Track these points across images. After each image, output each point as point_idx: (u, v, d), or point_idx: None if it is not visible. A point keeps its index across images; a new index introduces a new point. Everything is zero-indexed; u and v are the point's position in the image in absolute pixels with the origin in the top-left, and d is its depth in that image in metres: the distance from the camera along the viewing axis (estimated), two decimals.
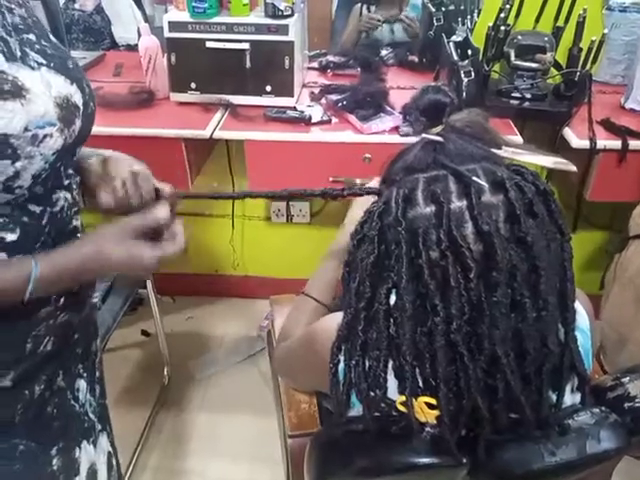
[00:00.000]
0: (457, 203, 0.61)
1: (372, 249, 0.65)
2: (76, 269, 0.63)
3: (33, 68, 0.60)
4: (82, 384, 0.80)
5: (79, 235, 0.73)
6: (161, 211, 0.68)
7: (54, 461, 0.74)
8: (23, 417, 0.70)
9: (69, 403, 0.77)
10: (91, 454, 0.81)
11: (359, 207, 0.93)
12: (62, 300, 0.70)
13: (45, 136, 0.59)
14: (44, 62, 0.61)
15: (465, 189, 0.61)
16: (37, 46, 0.62)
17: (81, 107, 0.65)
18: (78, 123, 0.64)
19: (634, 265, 1.39)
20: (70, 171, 0.71)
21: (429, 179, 0.64)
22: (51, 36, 0.67)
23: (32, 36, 0.63)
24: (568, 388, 0.68)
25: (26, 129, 0.57)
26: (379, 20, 1.89)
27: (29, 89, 0.58)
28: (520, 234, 0.60)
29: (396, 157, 0.72)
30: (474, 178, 0.61)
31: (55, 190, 0.67)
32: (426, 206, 0.62)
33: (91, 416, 0.81)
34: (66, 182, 0.69)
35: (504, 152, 0.70)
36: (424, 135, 0.69)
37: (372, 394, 0.66)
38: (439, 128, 0.70)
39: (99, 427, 0.84)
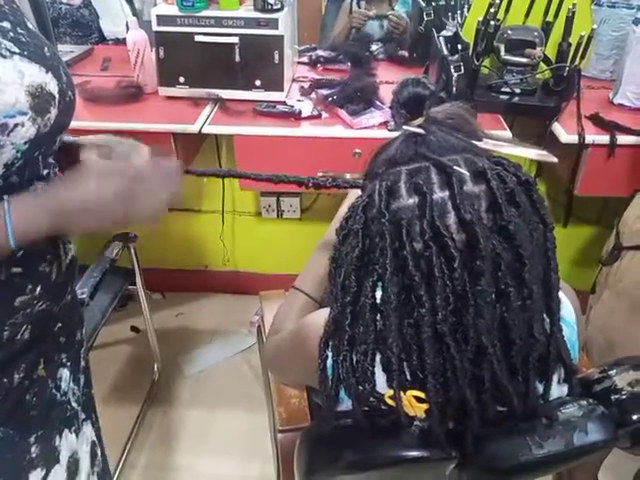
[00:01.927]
0: (439, 194, 0.61)
1: (357, 243, 0.65)
2: (52, 198, 0.62)
3: (5, 57, 0.59)
4: (65, 373, 0.79)
5: None
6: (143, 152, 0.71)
7: (33, 449, 0.74)
8: (1, 405, 0.70)
9: (50, 392, 0.76)
10: (73, 443, 0.81)
11: (348, 203, 0.94)
12: (39, 289, 0.70)
13: (16, 125, 0.59)
14: (17, 50, 0.60)
15: (447, 179, 0.61)
16: (11, 34, 0.61)
17: (57, 95, 0.64)
18: (54, 112, 0.64)
19: (629, 276, 1.38)
20: (50, 160, 0.70)
21: (411, 171, 0.64)
22: (29, 24, 0.66)
23: (6, 24, 0.62)
24: (555, 379, 0.68)
25: None
26: (370, 16, 1.89)
27: None
28: (502, 223, 0.60)
29: (378, 151, 0.72)
30: (455, 167, 0.61)
31: (32, 181, 0.66)
32: (409, 197, 0.62)
33: (74, 405, 0.81)
34: (44, 172, 0.68)
35: (485, 144, 0.70)
36: (405, 127, 0.69)
37: (361, 389, 0.66)
38: (420, 120, 0.70)
39: (83, 416, 0.84)
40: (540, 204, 0.65)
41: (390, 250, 0.62)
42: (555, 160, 0.75)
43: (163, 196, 0.66)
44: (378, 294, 0.65)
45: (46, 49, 0.66)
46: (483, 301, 0.59)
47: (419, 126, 0.68)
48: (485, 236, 0.59)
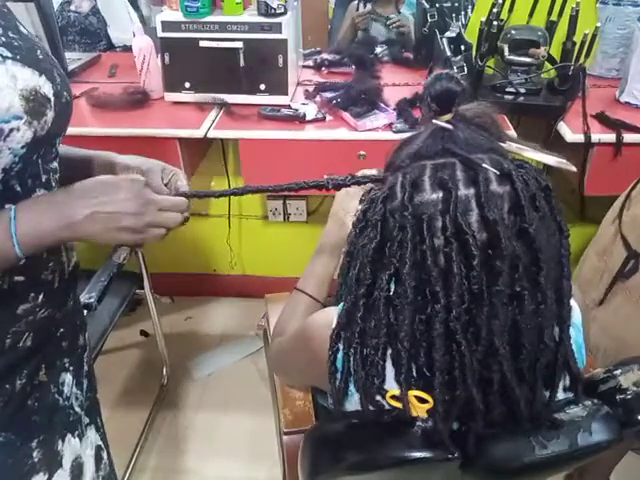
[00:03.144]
0: (464, 191, 0.61)
1: (375, 235, 0.64)
2: (58, 202, 0.62)
3: None
4: (68, 378, 0.79)
5: None
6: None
7: (35, 453, 0.74)
8: (3, 410, 0.70)
9: (52, 397, 0.76)
10: (76, 447, 0.80)
11: (340, 202, 0.96)
12: (41, 297, 0.70)
13: (12, 130, 0.59)
14: (9, 55, 0.60)
15: (474, 177, 0.61)
16: (2, 39, 0.61)
17: (52, 98, 0.64)
18: (50, 114, 0.64)
19: None
20: (53, 165, 0.70)
21: (437, 166, 0.64)
22: (21, 27, 0.67)
23: None
24: (560, 387, 0.68)
25: None
26: (370, 13, 1.90)
27: None
28: (524, 225, 0.60)
29: (401, 144, 0.72)
30: (484, 165, 0.61)
31: (35, 189, 0.66)
32: (433, 192, 0.62)
33: (77, 409, 0.81)
34: (44, 177, 0.68)
35: (509, 146, 0.70)
36: (434, 121, 0.68)
37: (369, 383, 0.66)
38: (449, 116, 0.69)
39: (87, 421, 0.83)
40: (558, 210, 0.65)
41: (410, 244, 0.61)
42: (574, 169, 0.75)
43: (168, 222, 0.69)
44: (391, 288, 0.65)
45: (38, 52, 0.66)
46: (499, 301, 0.60)
47: (447, 122, 0.68)
48: (507, 237, 0.59)
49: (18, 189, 0.64)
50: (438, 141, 0.66)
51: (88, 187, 0.64)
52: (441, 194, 0.61)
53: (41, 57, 0.65)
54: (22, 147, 0.61)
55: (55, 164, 0.71)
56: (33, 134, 0.62)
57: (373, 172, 0.93)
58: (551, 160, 0.73)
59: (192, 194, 0.77)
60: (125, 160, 0.80)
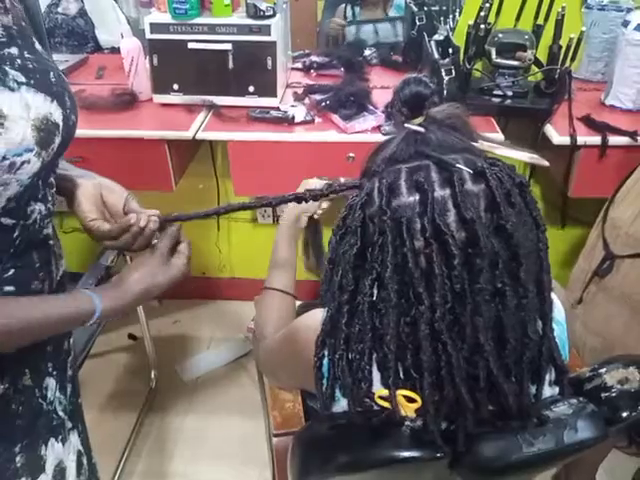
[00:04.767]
0: (440, 192, 0.61)
1: (355, 241, 0.65)
2: (132, 302, 0.72)
3: (12, 89, 0.57)
4: (51, 382, 0.78)
5: (50, 242, 0.72)
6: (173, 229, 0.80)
7: (17, 458, 0.73)
8: None
9: (36, 401, 0.75)
10: (59, 452, 0.79)
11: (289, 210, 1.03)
12: None
13: (23, 163, 0.58)
14: (24, 80, 0.58)
15: (448, 177, 0.62)
16: (18, 61, 0.60)
17: (61, 124, 0.63)
18: (57, 140, 0.63)
19: (628, 283, 1.33)
20: (49, 180, 0.70)
21: (411, 169, 0.64)
22: (36, 44, 0.65)
23: (14, 49, 0.60)
24: (546, 381, 0.68)
25: (4, 158, 0.56)
26: (343, 25, 1.93)
27: (7, 115, 0.55)
28: (500, 222, 0.61)
29: (376, 149, 0.72)
30: (458, 165, 0.62)
31: (30, 202, 0.66)
32: (410, 195, 0.62)
33: (60, 414, 0.80)
34: (41, 194, 0.68)
35: (481, 145, 0.71)
36: (407, 125, 0.69)
37: (356, 388, 0.66)
38: (420, 119, 0.70)
39: (69, 425, 0.82)
40: (533, 205, 0.65)
41: (391, 247, 0.62)
42: (546, 164, 0.76)
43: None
44: (374, 292, 0.65)
45: (52, 74, 0.64)
46: (482, 299, 0.60)
47: (419, 125, 0.69)
48: (485, 234, 0.60)
49: (14, 206, 0.63)
50: (411, 144, 0.67)
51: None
52: (418, 196, 0.62)
53: (54, 80, 0.64)
54: (29, 177, 0.61)
55: (51, 179, 0.71)
56: (41, 164, 0.61)
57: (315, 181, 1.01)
58: (524, 156, 0.74)
59: (174, 218, 0.78)
60: (107, 183, 0.80)
